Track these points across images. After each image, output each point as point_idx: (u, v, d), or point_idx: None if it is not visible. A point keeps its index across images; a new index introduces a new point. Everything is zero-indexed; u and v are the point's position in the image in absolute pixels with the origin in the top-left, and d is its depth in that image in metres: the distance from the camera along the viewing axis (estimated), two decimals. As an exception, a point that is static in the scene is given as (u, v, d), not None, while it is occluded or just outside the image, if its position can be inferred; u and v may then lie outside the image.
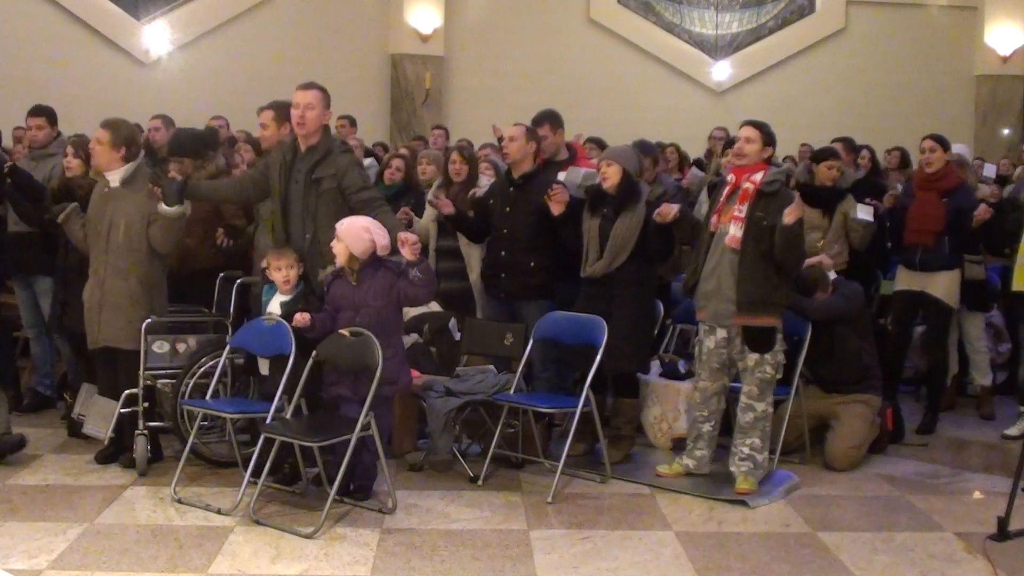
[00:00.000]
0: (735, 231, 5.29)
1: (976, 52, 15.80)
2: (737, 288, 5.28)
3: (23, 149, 7.75)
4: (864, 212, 6.59)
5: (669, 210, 5.53)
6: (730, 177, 5.48)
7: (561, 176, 6.13)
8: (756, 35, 15.93)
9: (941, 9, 15.88)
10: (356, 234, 5.08)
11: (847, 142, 7.76)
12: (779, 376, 5.43)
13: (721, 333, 5.43)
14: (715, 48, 15.80)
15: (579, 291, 5.84)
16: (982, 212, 6.47)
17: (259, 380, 5.48)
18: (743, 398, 5.41)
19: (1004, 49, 15.60)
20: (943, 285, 6.63)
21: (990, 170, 8.02)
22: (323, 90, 5.51)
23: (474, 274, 6.52)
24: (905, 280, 6.75)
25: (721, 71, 15.68)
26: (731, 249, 5.30)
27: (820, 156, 6.99)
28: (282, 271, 5.32)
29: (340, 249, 5.10)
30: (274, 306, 5.36)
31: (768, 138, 5.42)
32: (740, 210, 5.30)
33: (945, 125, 13.90)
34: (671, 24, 15.71)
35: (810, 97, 15.34)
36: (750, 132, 5.41)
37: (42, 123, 6.70)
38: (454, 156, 6.75)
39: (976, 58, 15.83)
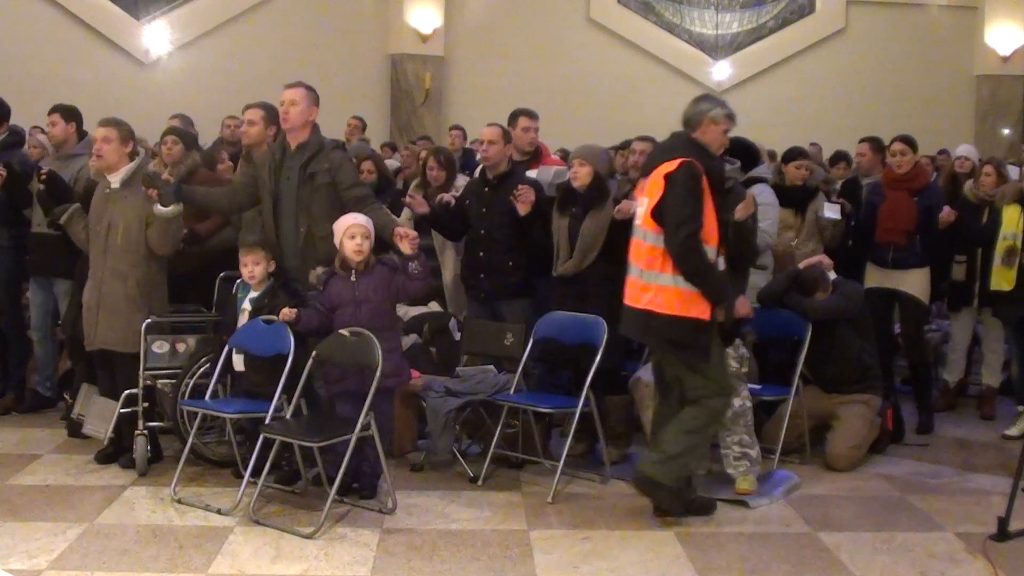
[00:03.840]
0: None
1: (976, 52, 15.80)
2: None
3: (38, 151, 7.68)
4: (831, 211, 6.67)
5: (629, 207, 5.54)
6: None
7: (532, 174, 6.15)
8: (756, 35, 15.93)
9: (941, 9, 15.88)
10: (370, 232, 5.20)
11: (874, 142, 7.73)
12: (745, 370, 5.43)
13: None
14: (715, 48, 15.80)
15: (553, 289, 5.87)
16: (946, 214, 6.64)
17: (234, 377, 5.47)
18: None
19: (1004, 49, 15.60)
20: (916, 283, 6.71)
21: (1014, 172, 7.88)
22: (309, 88, 5.62)
23: (447, 273, 6.55)
24: (876, 278, 6.79)
25: (721, 71, 15.69)
26: None
27: (789, 156, 7.03)
28: (248, 267, 5.39)
29: (366, 247, 5.16)
30: (247, 303, 5.41)
31: None
32: None
33: (945, 125, 13.94)
34: (671, 24, 15.71)
35: (810, 97, 15.35)
36: None
37: (55, 119, 6.60)
38: (431, 162, 6.78)
39: (976, 58, 15.83)
